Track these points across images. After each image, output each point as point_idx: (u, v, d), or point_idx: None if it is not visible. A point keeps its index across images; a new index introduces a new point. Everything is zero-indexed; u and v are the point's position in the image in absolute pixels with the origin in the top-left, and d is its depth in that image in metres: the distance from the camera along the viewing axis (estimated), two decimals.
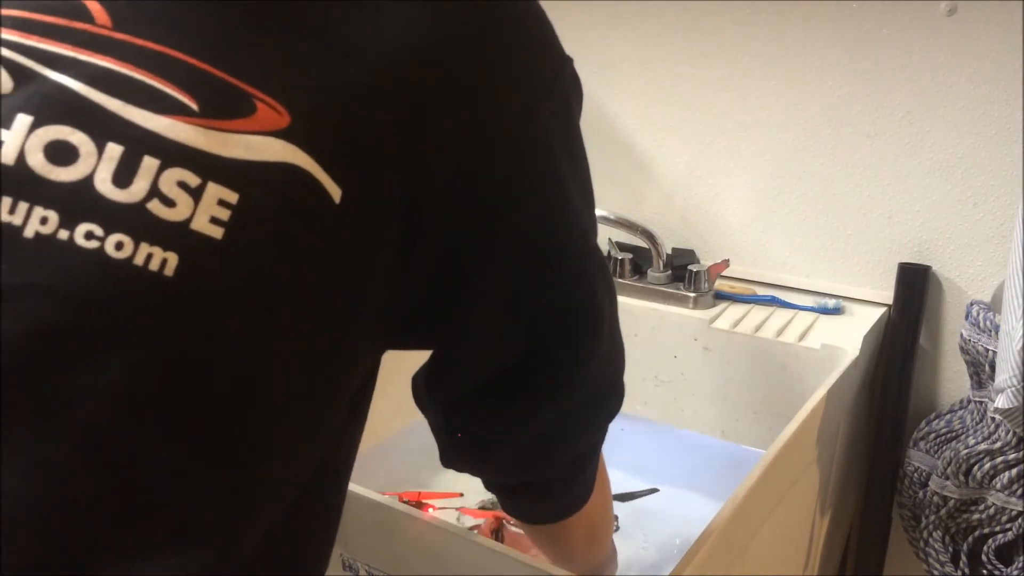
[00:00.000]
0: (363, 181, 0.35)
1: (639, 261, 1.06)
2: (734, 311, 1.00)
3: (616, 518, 0.91)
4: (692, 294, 1.00)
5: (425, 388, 0.49)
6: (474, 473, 0.53)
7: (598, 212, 0.99)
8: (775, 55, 0.96)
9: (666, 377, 1.03)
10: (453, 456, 0.51)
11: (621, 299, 1.05)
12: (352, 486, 0.62)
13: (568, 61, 0.44)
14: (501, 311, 0.43)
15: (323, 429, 0.38)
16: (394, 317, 0.40)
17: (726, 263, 1.03)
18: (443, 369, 0.47)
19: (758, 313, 1.00)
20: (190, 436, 0.33)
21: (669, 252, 1.04)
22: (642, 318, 1.02)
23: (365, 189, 0.35)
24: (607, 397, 0.51)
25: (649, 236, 1.02)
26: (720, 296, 1.03)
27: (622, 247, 1.08)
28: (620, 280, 1.05)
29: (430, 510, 0.90)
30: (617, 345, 0.50)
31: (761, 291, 1.04)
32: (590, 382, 0.48)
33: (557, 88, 0.42)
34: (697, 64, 1.02)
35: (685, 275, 1.01)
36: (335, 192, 0.34)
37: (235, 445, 0.34)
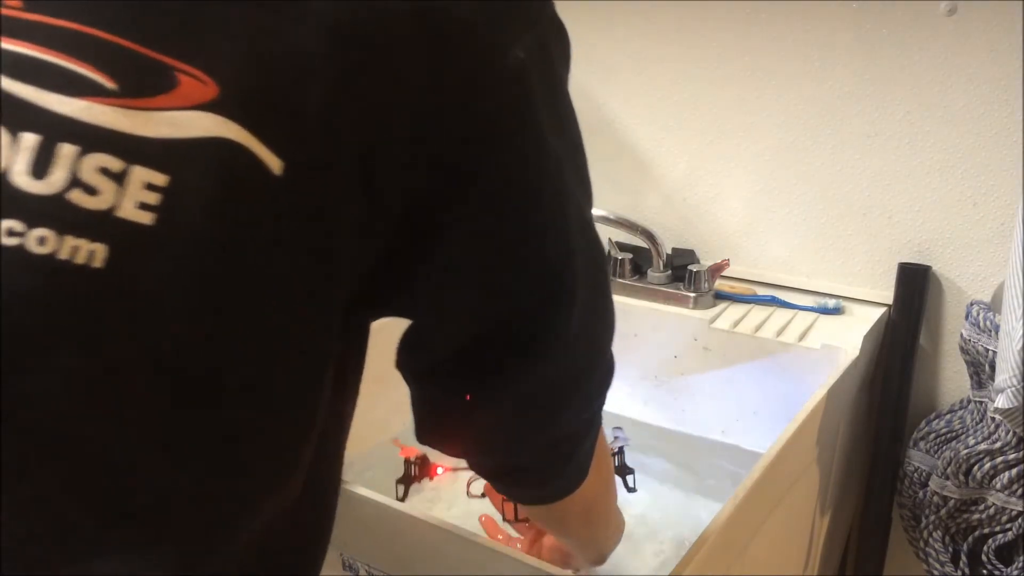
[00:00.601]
0: (309, 148, 0.33)
1: (639, 261, 1.06)
2: (734, 311, 1.00)
3: (633, 471, 0.88)
4: (692, 294, 1.00)
5: (400, 359, 0.46)
6: (446, 451, 0.50)
7: (598, 212, 1.00)
8: (775, 55, 0.96)
9: (666, 377, 1.03)
10: (426, 430, 0.48)
11: (621, 299, 1.05)
12: (352, 487, 0.62)
13: (546, 3, 0.41)
14: (466, 275, 0.40)
15: (301, 416, 0.37)
16: (360, 288, 0.38)
17: (726, 263, 1.03)
18: (414, 340, 0.45)
19: (758, 313, 1.00)
20: (151, 430, 0.32)
21: (669, 252, 1.04)
22: (642, 318, 1.02)
23: (312, 157, 0.33)
24: (586, 375, 0.47)
25: (649, 236, 1.02)
26: (720, 296, 1.03)
27: (622, 247, 1.08)
28: (620, 280, 1.05)
29: (439, 470, 0.88)
30: (598, 321, 0.47)
31: (761, 291, 1.04)
32: (564, 358, 0.44)
33: (531, 31, 0.39)
34: (697, 64, 1.02)
35: (685, 275, 1.01)
36: (275, 164, 0.32)
37: (198, 435, 0.33)
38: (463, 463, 0.81)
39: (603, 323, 0.47)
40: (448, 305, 0.41)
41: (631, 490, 0.86)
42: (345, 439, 0.46)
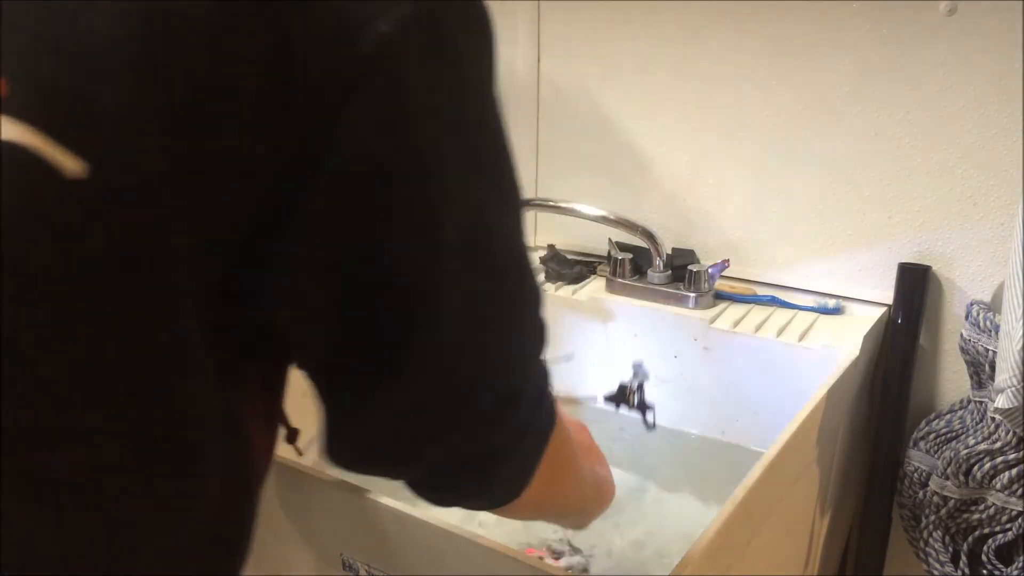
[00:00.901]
0: (121, 149, 0.30)
1: (639, 261, 1.06)
2: (734, 311, 1.00)
3: (652, 407, 0.81)
4: (692, 294, 1.00)
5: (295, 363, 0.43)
6: (334, 462, 0.45)
7: (598, 212, 1.00)
8: (775, 55, 0.96)
9: (666, 377, 1.02)
10: (323, 438, 0.44)
11: (621, 299, 1.05)
12: (352, 486, 0.62)
13: None
14: (315, 279, 0.36)
15: (156, 443, 0.34)
16: (215, 294, 0.34)
17: (726, 263, 1.03)
18: (294, 345, 0.41)
19: (758, 313, 1.00)
20: None
21: (669, 252, 1.04)
22: (642, 318, 1.02)
23: (122, 156, 0.30)
24: (472, 396, 0.41)
25: (649, 236, 1.02)
26: (720, 296, 1.03)
27: (622, 247, 1.08)
28: (620, 280, 1.05)
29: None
30: (492, 337, 0.41)
31: (761, 291, 1.04)
32: (437, 374, 0.39)
33: (408, 1, 0.33)
34: (697, 64, 1.02)
35: (685, 275, 1.01)
36: (73, 167, 0.29)
37: (31, 473, 0.30)
38: None
39: (502, 340, 0.42)
40: (303, 310, 0.38)
41: (651, 428, 0.81)
42: (260, 466, 0.42)
